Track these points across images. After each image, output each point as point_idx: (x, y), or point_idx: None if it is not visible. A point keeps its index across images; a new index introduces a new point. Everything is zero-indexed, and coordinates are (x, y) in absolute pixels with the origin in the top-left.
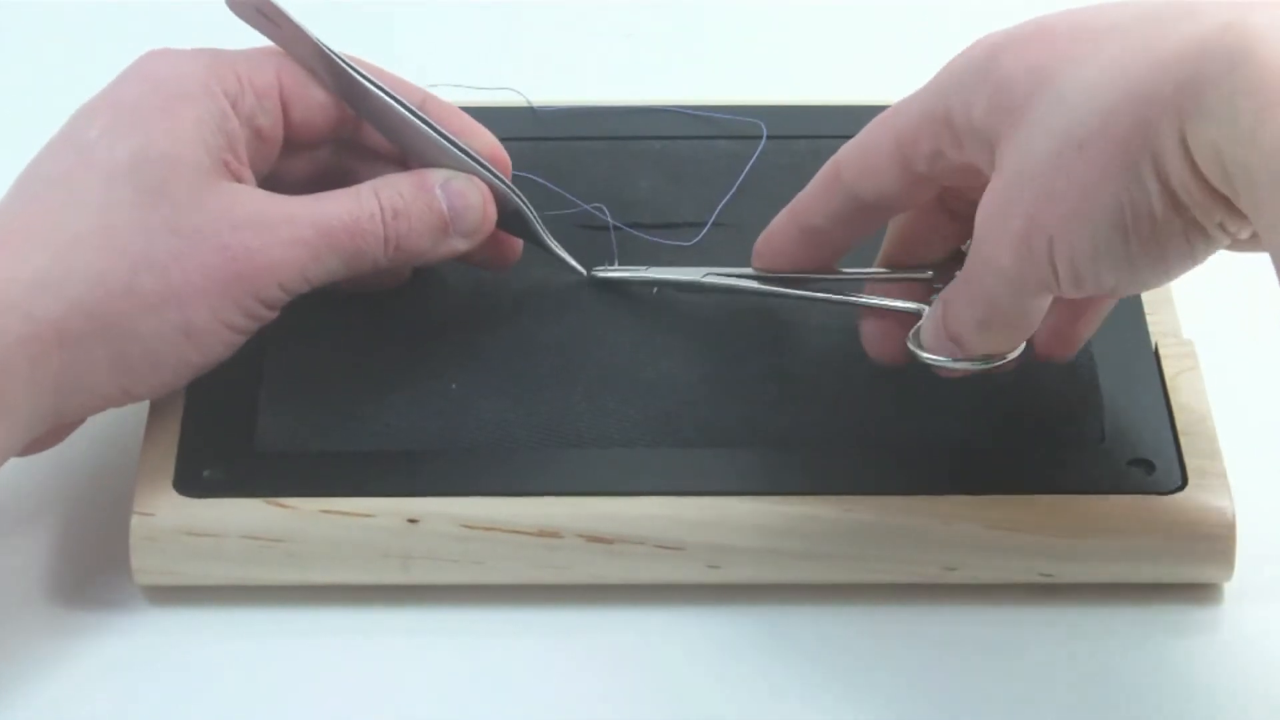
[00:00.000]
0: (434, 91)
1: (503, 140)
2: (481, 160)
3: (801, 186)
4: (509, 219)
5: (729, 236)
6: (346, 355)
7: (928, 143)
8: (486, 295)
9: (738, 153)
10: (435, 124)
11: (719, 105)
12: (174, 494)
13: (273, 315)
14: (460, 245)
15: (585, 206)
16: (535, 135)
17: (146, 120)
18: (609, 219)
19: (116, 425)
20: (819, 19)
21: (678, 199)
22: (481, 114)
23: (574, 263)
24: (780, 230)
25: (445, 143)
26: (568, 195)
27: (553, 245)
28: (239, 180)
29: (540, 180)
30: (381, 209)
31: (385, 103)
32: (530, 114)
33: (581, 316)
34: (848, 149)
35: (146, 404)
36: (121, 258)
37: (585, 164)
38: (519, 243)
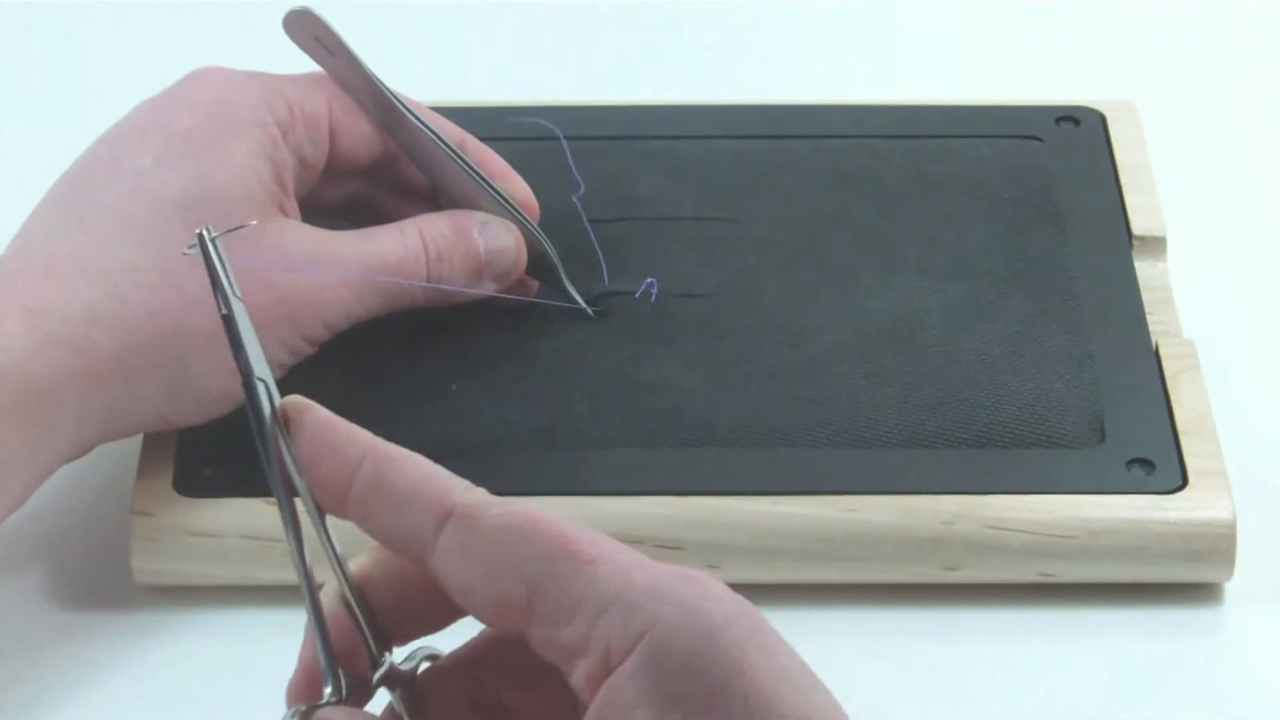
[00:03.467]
0: (434, 90)
1: (503, 140)
2: (514, 205)
3: (801, 186)
4: (534, 263)
5: (729, 233)
6: (346, 356)
7: None
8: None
9: (738, 152)
10: (473, 165)
11: (719, 105)
12: (174, 494)
13: (313, 351)
14: (490, 288)
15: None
16: (535, 135)
17: (199, 152)
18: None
19: None
20: (818, 19)
21: (678, 197)
22: (481, 114)
23: (588, 309)
24: None
25: (482, 185)
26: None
27: (571, 291)
28: (284, 211)
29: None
30: (426, 250)
31: (428, 139)
32: (530, 113)
33: (581, 317)
34: None
35: None
36: (175, 297)
37: (585, 164)
38: (534, 283)
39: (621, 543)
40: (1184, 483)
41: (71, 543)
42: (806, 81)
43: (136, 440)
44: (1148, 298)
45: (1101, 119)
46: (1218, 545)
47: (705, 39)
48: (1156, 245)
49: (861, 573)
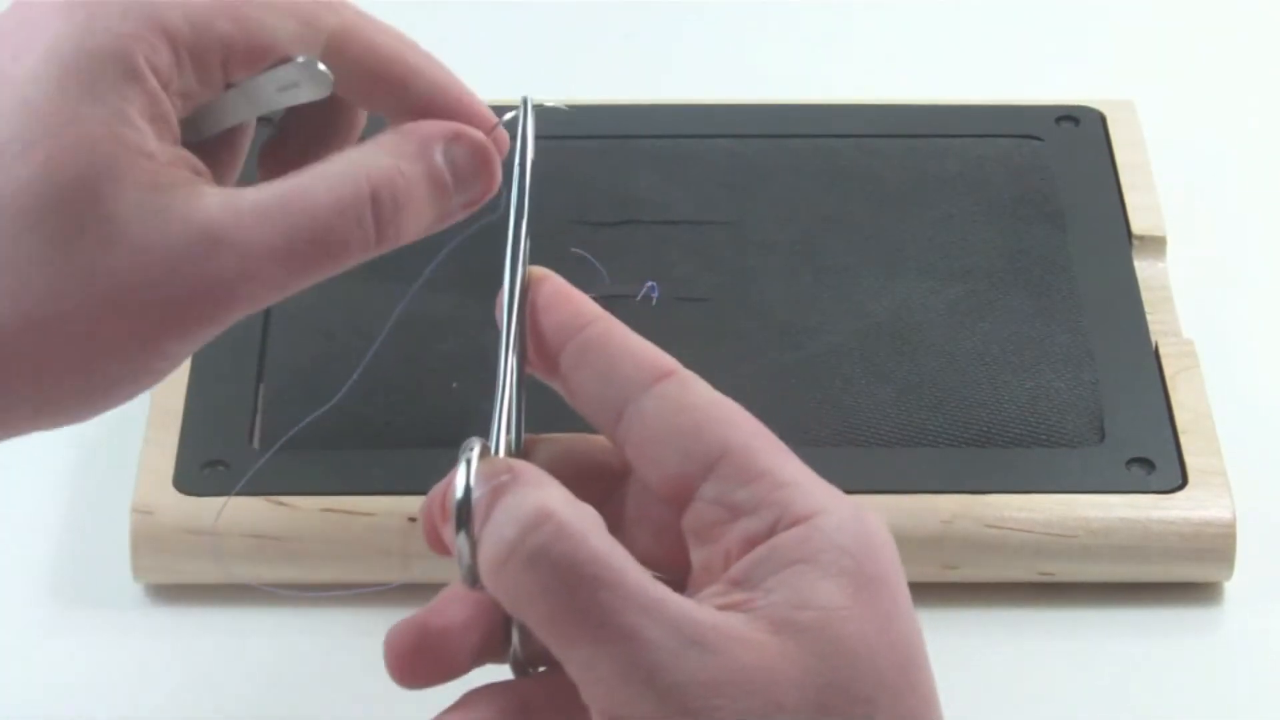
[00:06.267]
0: None
1: None
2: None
3: (802, 186)
4: None
5: (729, 234)
6: (346, 354)
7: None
8: (488, 293)
9: (738, 152)
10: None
11: (719, 105)
12: (174, 492)
13: (220, 330)
14: (459, 217)
15: None
16: (535, 134)
17: (52, 125)
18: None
19: (117, 424)
20: (818, 19)
21: (678, 198)
22: None
23: None
24: None
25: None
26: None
27: None
28: (170, 166)
29: None
30: (377, 201)
31: None
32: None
33: None
34: None
35: (147, 402)
36: (24, 318)
37: (585, 164)
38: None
39: None
40: (1184, 482)
41: (71, 542)
42: (806, 81)
43: (137, 439)
44: (1148, 297)
45: (1101, 119)
46: (1218, 545)
47: (705, 39)
48: (1156, 245)
49: None
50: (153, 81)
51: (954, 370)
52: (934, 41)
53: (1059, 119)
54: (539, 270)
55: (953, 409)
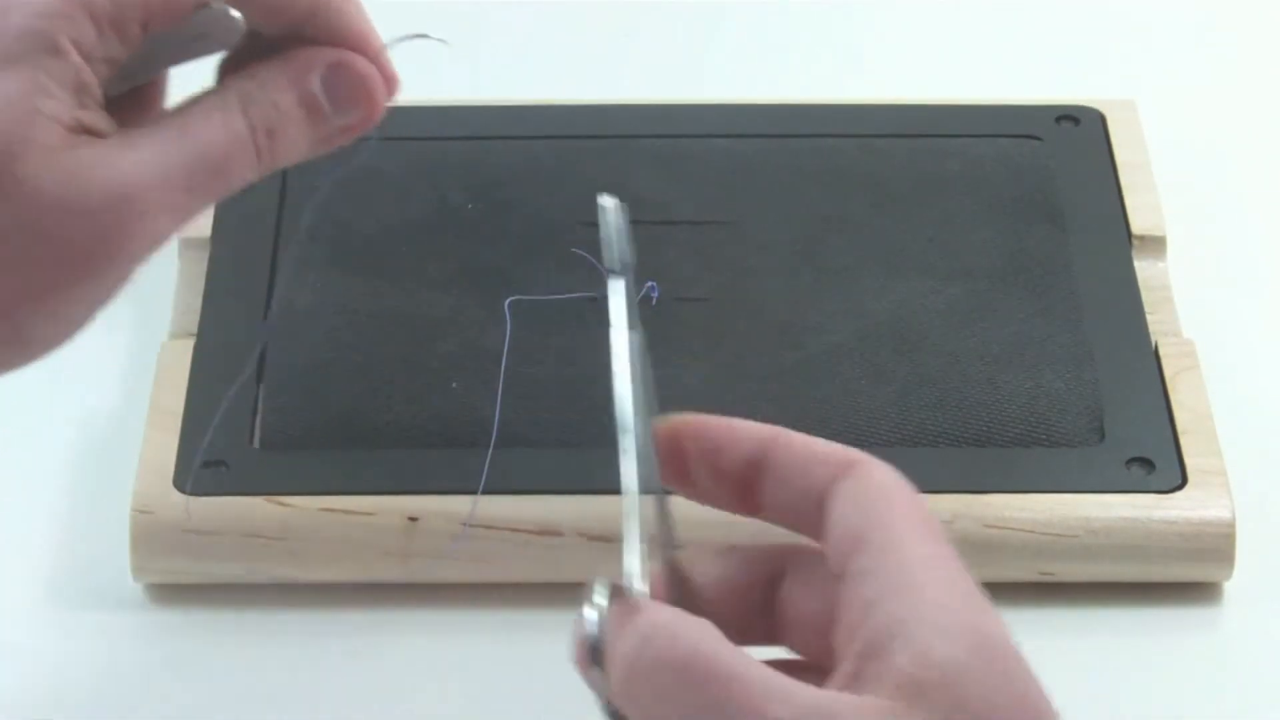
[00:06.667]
0: (432, 90)
1: (503, 139)
2: None
3: (801, 186)
4: None
5: (729, 234)
6: (346, 353)
7: None
8: (488, 293)
9: (738, 151)
10: None
11: (719, 104)
12: (173, 492)
13: (136, 267)
14: (341, 141)
15: None
16: (535, 133)
17: None
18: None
19: (117, 423)
20: (818, 19)
21: (678, 198)
22: (482, 112)
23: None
24: None
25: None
26: None
27: None
28: (90, 130)
29: None
30: (254, 130)
31: None
32: (530, 112)
33: (584, 318)
34: None
35: (146, 402)
36: None
37: (585, 164)
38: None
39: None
40: (1183, 482)
41: (71, 542)
42: (806, 81)
43: (137, 439)
44: (1147, 297)
45: (1101, 118)
46: (1217, 545)
47: (705, 39)
48: (1156, 245)
49: None
50: (75, 56)
51: (954, 370)
52: (934, 41)
53: (1059, 119)
54: (682, 418)
55: (953, 409)
